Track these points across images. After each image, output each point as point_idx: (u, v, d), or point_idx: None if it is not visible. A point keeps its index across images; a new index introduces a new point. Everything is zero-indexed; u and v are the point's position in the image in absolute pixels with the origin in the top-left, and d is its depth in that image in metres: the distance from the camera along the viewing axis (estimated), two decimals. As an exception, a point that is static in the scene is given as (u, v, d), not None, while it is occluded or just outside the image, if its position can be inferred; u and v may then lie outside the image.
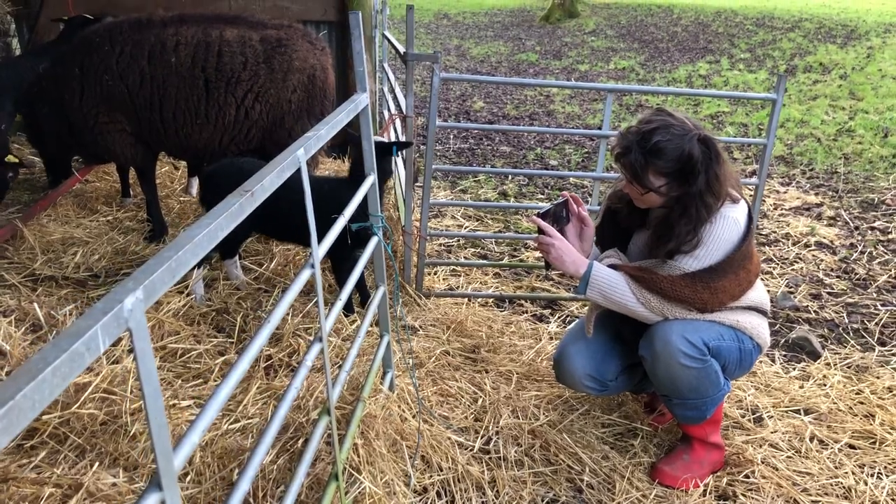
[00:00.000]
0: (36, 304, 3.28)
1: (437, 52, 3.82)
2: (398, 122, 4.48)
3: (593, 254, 3.04)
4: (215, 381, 3.04)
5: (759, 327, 2.83)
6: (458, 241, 5.32)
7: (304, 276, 1.96)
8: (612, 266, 2.80)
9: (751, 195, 4.33)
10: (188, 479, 2.38)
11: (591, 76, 13.20)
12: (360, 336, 2.56)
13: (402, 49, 4.15)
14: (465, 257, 5.10)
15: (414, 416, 2.96)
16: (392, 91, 6.00)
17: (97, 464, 2.36)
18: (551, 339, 3.95)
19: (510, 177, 7.15)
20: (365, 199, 2.69)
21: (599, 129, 5.41)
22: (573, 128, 9.40)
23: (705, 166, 2.56)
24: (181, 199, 5.49)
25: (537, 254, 5.12)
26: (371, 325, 3.55)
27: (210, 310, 3.67)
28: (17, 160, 4.60)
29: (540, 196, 6.58)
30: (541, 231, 2.77)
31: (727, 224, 2.64)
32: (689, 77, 12.53)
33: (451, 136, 8.78)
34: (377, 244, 2.76)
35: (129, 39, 4.29)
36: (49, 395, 0.93)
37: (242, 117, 4.38)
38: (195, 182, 5.53)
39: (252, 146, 4.51)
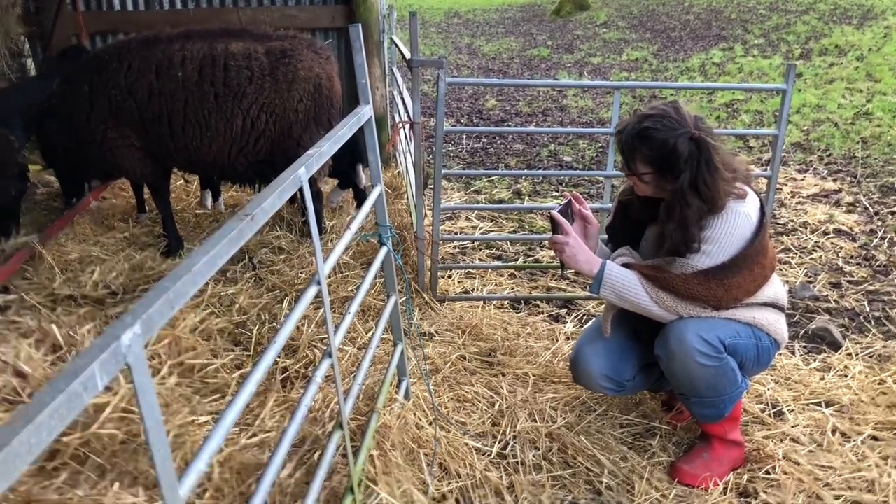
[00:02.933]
0: (55, 326, 3.32)
1: (442, 58, 3.82)
2: (406, 128, 4.49)
3: (603, 251, 3.04)
4: (232, 395, 3.07)
5: (777, 323, 2.81)
6: (473, 242, 5.32)
7: (311, 292, 1.98)
8: (625, 265, 2.80)
9: (765, 187, 4.29)
10: (207, 495, 2.40)
11: (604, 69, 13.13)
12: (371, 347, 2.58)
13: (408, 55, 4.15)
14: (479, 259, 5.10)
15: (430, 424, 2.97)
16: (401, 95, 6.02)
17: (118, 483, 2.39)
18: (568, 339, 3.94)
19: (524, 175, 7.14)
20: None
21: (610, 125, 5.38)
22: (586, 123, 9.36)
23: (691, 165, 2.55)
24: (196, 212, 5.54)
25: (552, 253, 5.11)
26: (386, 332, 3.56)
27: (228, 323, 3.70)
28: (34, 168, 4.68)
29: (555, 194, 6.57)
30: (554, 230, 2.78)
31: (738, 219, 2.63)
32: (702, 66, 12.41)
33: (464, 136, 8.78)
34: (387, 254, 2.77)
35: (137, 56, 4.37)
36: (47, 438, 0.94)
37: (249, 128, 4.43)
38: (209, 195, 5.58)
39: (261, 157, 4.56)
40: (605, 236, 3.14)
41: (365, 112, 2.58)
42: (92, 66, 4.46)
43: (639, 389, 3.14)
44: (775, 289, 2.83)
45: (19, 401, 2.90)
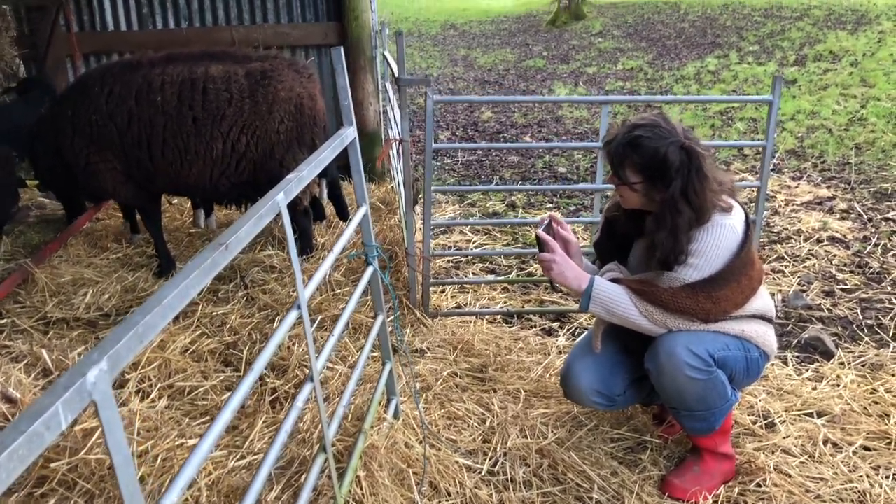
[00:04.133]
0: (45, 350, 3.34)
1: (428, 76, 3.85)
2: (396, 145, 4.51)
3: (589, 269, 3.05)
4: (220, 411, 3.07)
5: (766, 335, 2.82)
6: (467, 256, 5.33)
7: (291, 317, 1.98)
8: (613, 280, 2.81)
9: (753, 198, 4.29)
10: (195, 519, 2.41)
11: (599, 79, 13.18)
12: (358, 367, 2.58)
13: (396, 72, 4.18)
14: (473, 272, 5.10)
15: (420, 442, 2.96)
16: (394, 111, 6.04)
17: (105, 509, 2.39)
18: (560, 353, 3.94)
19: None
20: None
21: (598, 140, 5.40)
22: (581, 133, 9.39)
23: (682, 174, 2.56)
24: (190, 230, 5.56)
25: (544, 267, 5.12)
26: (376, 351, 3.57)
27: (219, 344, 3.71)
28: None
29: (549, 205, 6.58)
30: (541, 249, 2.79)
31: (724, 232, 2.64)
32: (697, 73, 12.46)
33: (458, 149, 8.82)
34: (373, 274, 2.78)
35: (119, 80, 4.41)
36: (7, 479, 0.95)
37: (230, 151, 4.46)
38: (202, 213, 5.60)
39: (243, 178, 4.59)
40: (595, 251, 3.15)
41: (348, 134, 2.59)
42: (75, 91, 4.52)
43: (630, 403, 3.14)
44: (763, 301, 2.84)
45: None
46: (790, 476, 2.93)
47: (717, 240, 2.63)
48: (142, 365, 3.31)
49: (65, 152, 4.53)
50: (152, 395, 3.10)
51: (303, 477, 2.53)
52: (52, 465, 2.50)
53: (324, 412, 2.11)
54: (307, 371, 3.40)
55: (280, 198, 1.93)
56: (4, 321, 3.89)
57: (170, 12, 6.96)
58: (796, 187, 6.73)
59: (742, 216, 2.72)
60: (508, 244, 5.62)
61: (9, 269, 4.42)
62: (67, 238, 5.04)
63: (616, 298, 2.72)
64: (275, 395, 3.28)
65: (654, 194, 2.67)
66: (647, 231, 2.77)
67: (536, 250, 2.84)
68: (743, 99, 4.25)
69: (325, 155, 2.38)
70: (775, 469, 2.97)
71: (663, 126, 2.62)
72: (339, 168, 6.68)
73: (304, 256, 4.75)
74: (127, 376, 3.27)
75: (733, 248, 2.65)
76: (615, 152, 2.68)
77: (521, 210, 6.46)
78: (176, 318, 3.77)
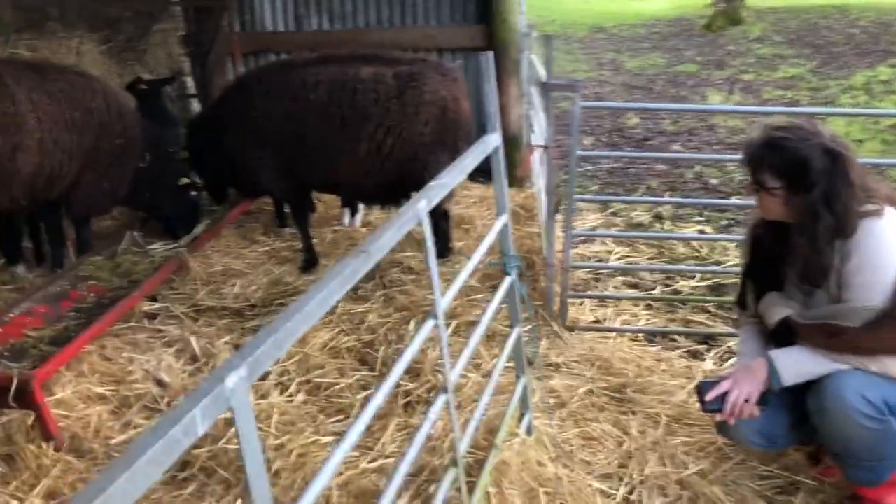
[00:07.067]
0: (194, 338, 3.50)
1: (577, 81, 3.73)
2: (539, 152, 4.41)
3: (753, 335, 2.81)
4: (356, 417, 3.10)
5: None
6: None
7: (427, 327, 1.95)
8: (785, 320, 2.57)
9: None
10: (324, 519, 2.42)
11: (756, 86, 12.47)
12: (492, 381, 2.52)
13: (544, 76, 4.09)
14: (614, 286, 4.91)
15: (553, 462, 2.86)
16: (538, 116, 5.95)
17: (240, 500, 2.45)
18: (706, 378, 3.70)
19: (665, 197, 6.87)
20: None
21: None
22: (735, 144, 8.89)
23: (825, 179, 2.34)
24: (335, 228, 5.70)
25: (693, 282, 4.87)
26: (509, 362, 3.49)
27: (356, 342, 3.76)
28: (190, 180, 5.22)
29: (699, 218, 6.26)
30: (702, 400, 2.60)
31: (883, 235, 2.35)
32: (867, 84, 11.52)
33: (603, 155, 8.60)
34: (511, 285, 2.71)
35: (276, 79, 4.62)
36: (143, 485, 0.95)
37: (375, 151, 4.53)
38: (347, 212, 5.73)
39: (387, 179, 4.66)
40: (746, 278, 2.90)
41: (492, 141, 2.53)
42: (236, 90, 4.78)
43: (791, 445, 2.88)
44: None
45: (158, 409, 3.07)
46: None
47: (878, 244, 2.35)
48: (283, 359, 3.40)
49: (224, 147, 4.78)
50: (290, 389, 3.16)
51: (432, 487, 2.49)
52: (195, 452, 2.59)
53: (457, 426, 2.06)
54: (440, 377, 3.38)
55: (422, 206, 1.89)
56: (160, 306, 4.12)
57: (324, 14, 7.20)
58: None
59: None
60: (653, 258, 5.38)
61: (167, 255, 4.69)
62: (221, 229, 5.30)
63: (806, 364, 2.49)
64: (408, 399, 3.27)
65: (796, 201, 2.43)
66: (793, 243, 2.52)
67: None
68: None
69: (468, 162, 2.33)
70: (952, 528, 2.64)
71: (806, 127, 2.43)
72: (476, 170, 6.68)
73: (441, 260, 4.75)
74: (269, 369, 3.37)
75: None
76: (753, 155, 2.50)
77: (667, 222, 6.18)
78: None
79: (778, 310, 2.60)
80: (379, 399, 1.62)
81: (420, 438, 1.84)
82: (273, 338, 1.22)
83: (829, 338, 2.41)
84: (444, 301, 1.98)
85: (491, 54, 2.49)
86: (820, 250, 2.36)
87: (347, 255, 1.56)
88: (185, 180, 5.16)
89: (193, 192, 5.34)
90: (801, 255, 2.42)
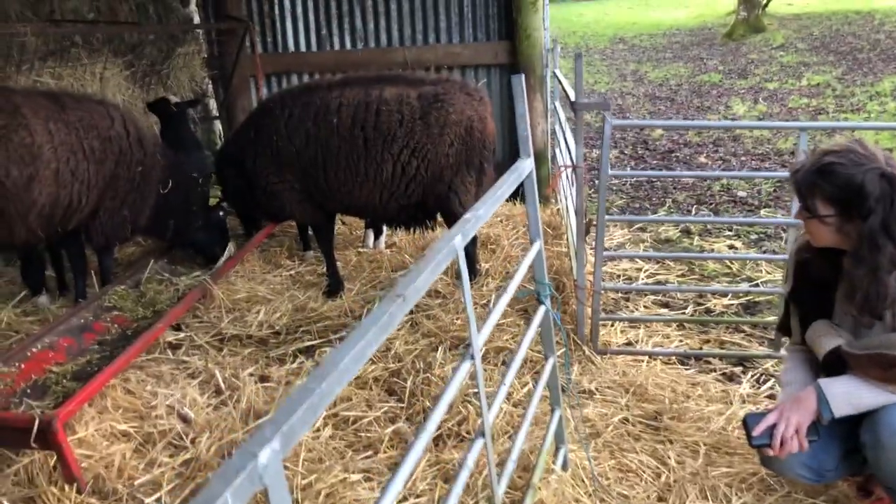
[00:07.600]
0: (217, 369, 3.43)
1: (607, 100, 3.65)
2: (568, 172, 4.31)
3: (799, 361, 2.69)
4: (385, 451, 3.01)
5: None
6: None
7: (465, 368, 1.86)
8: (834, 350, 2.45)
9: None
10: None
11: (782, 95, 12.29)
12: (527, 417, 2.41)
13: (572, 94, 3.99)
14: (644, 305, 4.80)
15: (590, 497, 2.75)
16: (563, 131, 5.86)
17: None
18: (743, 402, 3.57)
19: (693, 212, 6.74)
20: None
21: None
22: (762, 154, 8.75)
23: (883, 205, 2.23)
24: (359, 249, 5.63)
25: (726, 301, 4.74)
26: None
27: (383, 371, 3.67)
28: (219, 200, 5.27)
29: (728, 232, 6.12)
30: (749, 434, 2.48)
31: None
32: (895, 90, 11.32)
33: (629, 168, 8.47)
34: (545, 314, 2.61)
35: (298, 102, 4.56)
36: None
37: (400, 173, 4.47)
38: (371, 234, 5.66)
39: (412, 200, 4.60)
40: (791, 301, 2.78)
41: (525, 166, 2.44)
42: (258, 114, 4.73)
43: (840, 478, 2.75)
44: None
45: (182, 445, 3.00)
46: None
47: None
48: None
49: (248, 172, 4.73)
50: (317, 424, 3.08)
51: (467, 529, 2.40)
52: None
53: (493, 470, 1.96)
54: (470, 409, 3.28)
55: (458, 241, 1.81)
56: (184, 336, 4.07)
57: (346, 34, 7.17)
58: None
59: None
60: (684, 274, 5.26)
61: (190, 284, 4.64)
62: (245, 255, 5.24)
63: (857, 395, 2.37)
64: (438, 432, 3.17)
65: (850, 229, 2.32)
66: (846, 273, 2.41)
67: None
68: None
69: (503, 191, 2.24)
70: None
71: (860, 151, 2.30)
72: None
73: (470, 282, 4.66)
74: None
75: None
76: (803, 181, 2.39)
77: (696, 236, 6.05)
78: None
79: (829, 339, 2.47)
80: (418, 450, 1.53)
81: (458, 489, 1.75)
82: (307, 402, 1.14)
83: (886, 370, 2.29)
84: (481, 339, 1.89)
85: (521, 76, 2.40)
86: (881, 280, 2.25)
87: (382, 301, 1.48)
88: (213, 201, 5.14)
89: (220, 213, 5.32)
90: (860, 287, 2.29)
